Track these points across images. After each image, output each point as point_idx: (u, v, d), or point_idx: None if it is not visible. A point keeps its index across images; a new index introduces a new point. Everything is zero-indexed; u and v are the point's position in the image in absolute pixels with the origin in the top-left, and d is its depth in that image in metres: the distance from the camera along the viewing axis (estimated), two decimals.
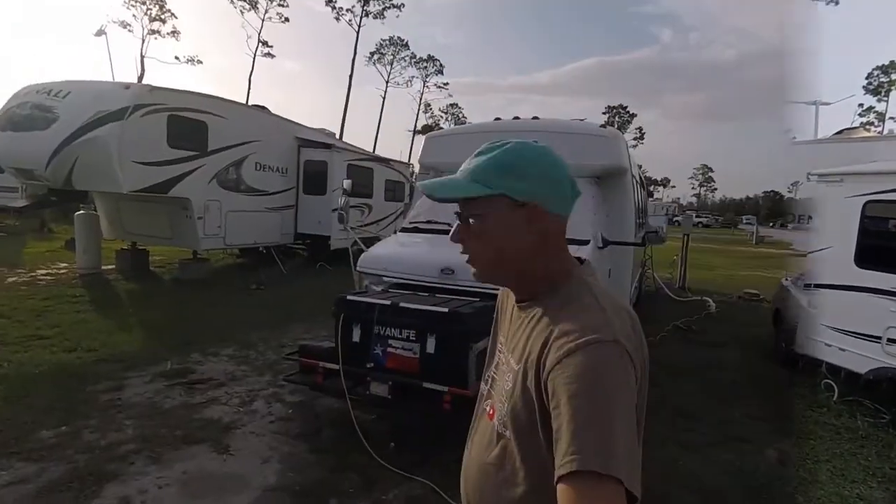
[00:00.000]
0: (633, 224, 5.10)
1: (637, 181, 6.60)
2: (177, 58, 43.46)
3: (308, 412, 3.98)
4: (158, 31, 41.17)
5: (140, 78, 35.87)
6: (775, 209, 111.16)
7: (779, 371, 5.60)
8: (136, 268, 9.63)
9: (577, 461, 0.67)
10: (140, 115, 7.55)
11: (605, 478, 0.66)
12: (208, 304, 7.37)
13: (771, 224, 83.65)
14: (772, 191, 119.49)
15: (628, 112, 64.59)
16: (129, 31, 40.07)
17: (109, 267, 9.52)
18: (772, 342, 6.44)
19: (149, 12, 40.47)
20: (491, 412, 0.97)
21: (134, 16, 40.18)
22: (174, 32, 41.76)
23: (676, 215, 20.84)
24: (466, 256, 0.95)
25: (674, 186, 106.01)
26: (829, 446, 3.82)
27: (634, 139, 63.72)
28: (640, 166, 7.97)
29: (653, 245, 5.88)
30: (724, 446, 3.77)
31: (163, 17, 41.03)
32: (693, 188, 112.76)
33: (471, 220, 0.91)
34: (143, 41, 40.59)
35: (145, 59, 40.13)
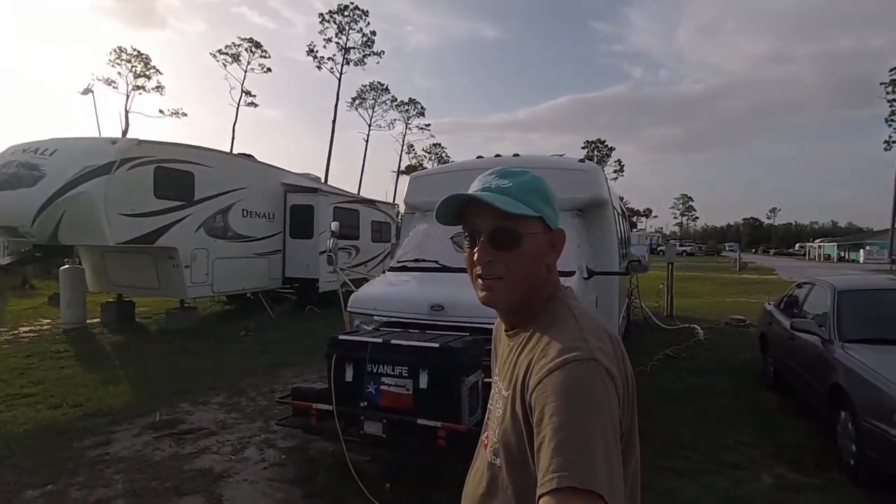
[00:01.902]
0: (617, 254, 5.24)
1: (618, 213, 6.81)
2: (161, 111, 44.04)
3: (302, 457, 3.91)
4: (143, 87, 42.06)
5: (125, 132, 36.27)
6: (756, 235, 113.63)
7: (767, 395, 5.65)
8: (121, 320, 9.51)
9: (557, 479, 0.67)
10: (127, 168, 7.69)
11: (584, 493, 0.65)
12: (197, 352, 7.28)
13: (753, 250, 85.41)
14: (751, 217, 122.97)
15: (606, 146, 66.63)
16: (114, 87, 40.87)
17: (94, 320, 9.39)
18: (759, 367, 6.51)
19: (134, 69, 41.42)
20: (486, 442, 0.99)
21: (119, 73, 41.07)
22: (158, 87, 42.69)
23: (660, 245, 21.26)
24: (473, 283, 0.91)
25: (656, 216, 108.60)
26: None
27: (615, 172, 65.48)
28: (621, 198, 8.22)
29: (636, 273, 6.00)
30: (718, 474, 3.75)
31: (147, 73, 42.01)
32: (675, 217, 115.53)
33: (497, 240, 0.90)
34: (128, 97, 41.32)
35: (130, 114, 40.77)
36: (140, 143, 8.17)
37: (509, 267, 0.90)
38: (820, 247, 65.19)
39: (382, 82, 50.88)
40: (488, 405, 1.06)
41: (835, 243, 63.75)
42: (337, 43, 44.67)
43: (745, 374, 6.49)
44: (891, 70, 45.35)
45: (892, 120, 45.59)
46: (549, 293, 0.95)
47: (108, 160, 7.48)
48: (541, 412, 0.75)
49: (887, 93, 45.42)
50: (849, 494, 3.46)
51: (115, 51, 40.99)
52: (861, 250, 52.70)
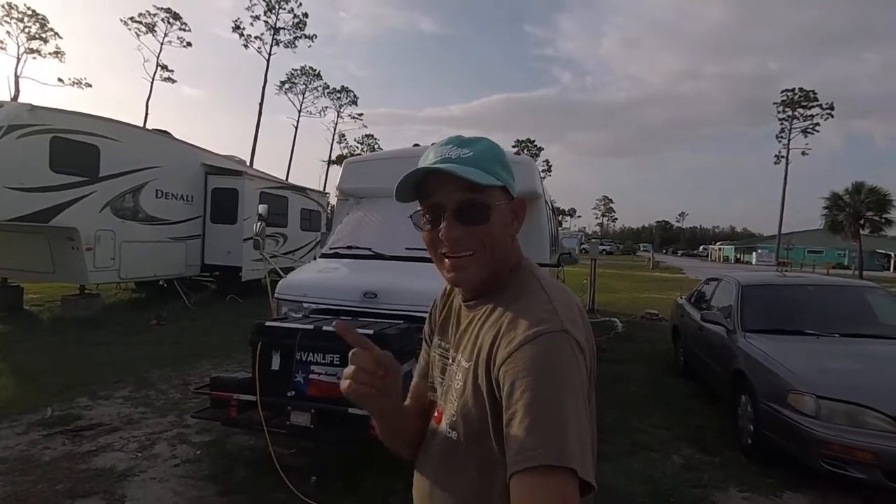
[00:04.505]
0: (548, 247, 5.38)
1: (549, 208, 7.01)
2: (60, 80, 39.58)
3: (219, 452, 3.65)
4: (38, 51, 37.60)
5: (14, 99, 32.27)
6: (667, 237, 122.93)
7: (678, 383, 6.07)
8: (6, 307, 8.47)
9: (531, 457, 0.66)
10: (16, 136, 6.84)
11: (557, 469, 0.65)
12: (99, 343, 6.61)
13: (664, 251, 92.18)
14: (664, 220, 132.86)
15: (536, 145, 68.79)
16: (2, 48, 36.22)
17: None
18: (671, 356, 6.99)
19: (27, 30, 36.87)
20: (438, 415, 0.94)
21: (9, 33, 36.43)
22: (57, 53, 38.36)
23: (584, 243, 22.40)
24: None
25: (580, 216, 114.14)
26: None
27: (543, 171, 67.83)
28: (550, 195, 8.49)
29: (566, 265, 6.22)
30: (634, 455, 3.97)
31: (44, 35, 37.58)
32: (597, 218, 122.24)
33: (465, 215, 0.83)
34: (19, 60, 36.79)
35: (21, 80, 36.37)
36: (33, 108, 7.25)
37: (479, 243, 0.84)
38: (720, 249, 71.74)
39: (314, 67, 49.15)
40: (437, 378, 1.00)
41: (732, 246, 70.39)
42: (266, 22, 42.49)
43: (659, 364, 6.95)
44: (782, 92, 51.00)
45: (782, 136, 51.26)
46: (513, 263, 0.92)
47: None
48: (511, 387, 0.72)
49: (778, 112, 51.02)
50: (745, 470, 3.79)
51: (3, 7, 36.20)
52: (754, 253, 58.59)
